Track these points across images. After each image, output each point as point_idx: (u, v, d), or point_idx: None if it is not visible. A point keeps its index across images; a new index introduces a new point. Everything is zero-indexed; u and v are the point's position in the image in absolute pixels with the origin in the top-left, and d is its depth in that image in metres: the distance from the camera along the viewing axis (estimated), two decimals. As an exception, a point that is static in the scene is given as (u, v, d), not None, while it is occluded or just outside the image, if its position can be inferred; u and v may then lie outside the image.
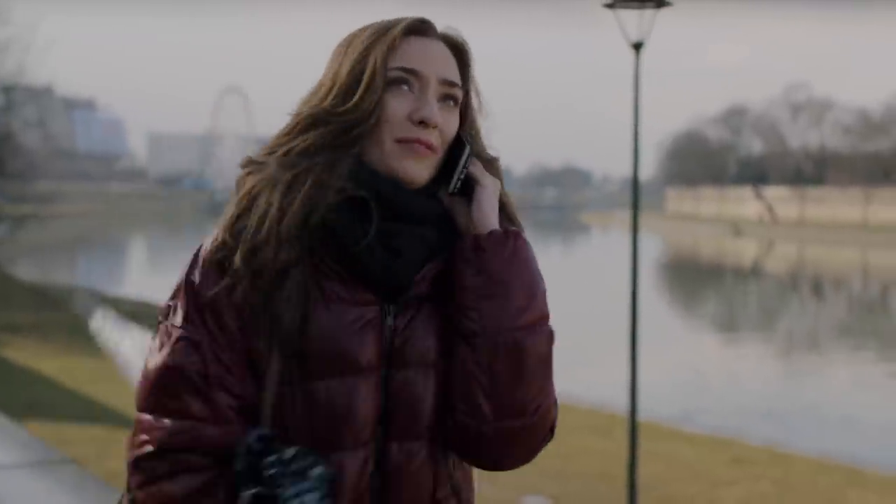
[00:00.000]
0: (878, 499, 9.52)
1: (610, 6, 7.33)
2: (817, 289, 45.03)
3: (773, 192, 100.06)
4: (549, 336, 1.95)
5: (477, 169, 1.99)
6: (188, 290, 1.93)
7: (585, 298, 31.26)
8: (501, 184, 2.02)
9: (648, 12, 7.24)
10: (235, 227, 1.91)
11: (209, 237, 1.96)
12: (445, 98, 1.96)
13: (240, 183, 1.98)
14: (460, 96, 1.98)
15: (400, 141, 1.92)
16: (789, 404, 17.41)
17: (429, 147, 1.93)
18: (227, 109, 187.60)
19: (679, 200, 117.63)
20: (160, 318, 1.96)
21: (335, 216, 1.88)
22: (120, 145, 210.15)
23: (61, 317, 22.78)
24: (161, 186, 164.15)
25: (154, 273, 44.86)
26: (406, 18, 1.97)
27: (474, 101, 2.03)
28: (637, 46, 7.33)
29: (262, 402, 1.90)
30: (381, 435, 1.91)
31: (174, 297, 1.95)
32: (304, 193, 1.88)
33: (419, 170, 1.93)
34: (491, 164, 2.03)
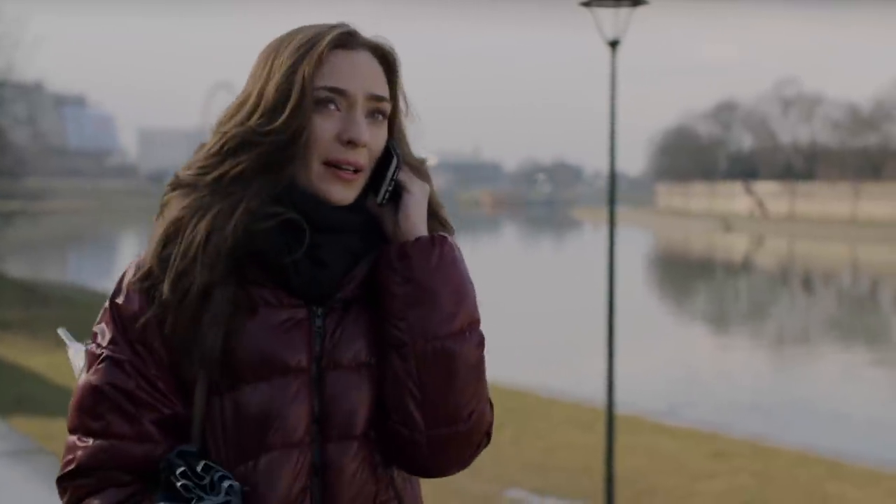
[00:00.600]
0: (856, 491, 9.63)
1: (586, 4, 7.41)
2: (807, 284, 45.16)
3: (764, 188, 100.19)
4: (480, 341, 1.94)
5: (405, 176, 1.98)
6: (114, 314, 1.94)
7: (576, 294, 31.37)
8: (431, 186, 2.00)
9: (624, 10, 7.32)
10: (162, 255, 1.90)
11: (134, 262, 1.96)
12: (373, 113, 1.94)
13: (166, 203, 1.96)
14: (388, 109, 1.97)
15: (328, 163, 1.91)
16: (777, 398, 17.52)
17: (357, 169, 1.92)
18: (218, 105, 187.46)
19: (670, 196, 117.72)
20: (88, 342, 1.98)
21: (263, 237, 1.88)
22: (111, 142, 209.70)
23: (51, 313, 22.81)
24: (152, 183, 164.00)
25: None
26: (332, 30, 1.94)
27: (401, 107, 2.01)
28: (613, 44, 7.41)
29: (192, 417, 1.91)
30: (317, 436, 1.91)
31: (100, 321, 1.97)
32: (235, 221, 1.87)
33: (346, 193, 1.93)
34: (418, 168, 2.01)
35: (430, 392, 1.90)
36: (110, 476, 1.90)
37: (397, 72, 1.99)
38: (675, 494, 8.81)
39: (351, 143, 1.90)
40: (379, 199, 1.96)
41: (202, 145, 1.98)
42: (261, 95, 1.91)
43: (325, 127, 1.90)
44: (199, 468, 1.83)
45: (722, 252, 64.82)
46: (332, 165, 1.91)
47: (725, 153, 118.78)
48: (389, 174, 1.95)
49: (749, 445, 11.73)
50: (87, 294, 29.32)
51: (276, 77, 1.90)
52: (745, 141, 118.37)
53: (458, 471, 2.00)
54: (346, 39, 1.93)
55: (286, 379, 1.89)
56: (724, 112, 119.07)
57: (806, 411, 16.24)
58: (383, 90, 1.95)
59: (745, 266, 55.42)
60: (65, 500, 1.94)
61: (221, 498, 1.81)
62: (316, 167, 1.91)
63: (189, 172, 1.94)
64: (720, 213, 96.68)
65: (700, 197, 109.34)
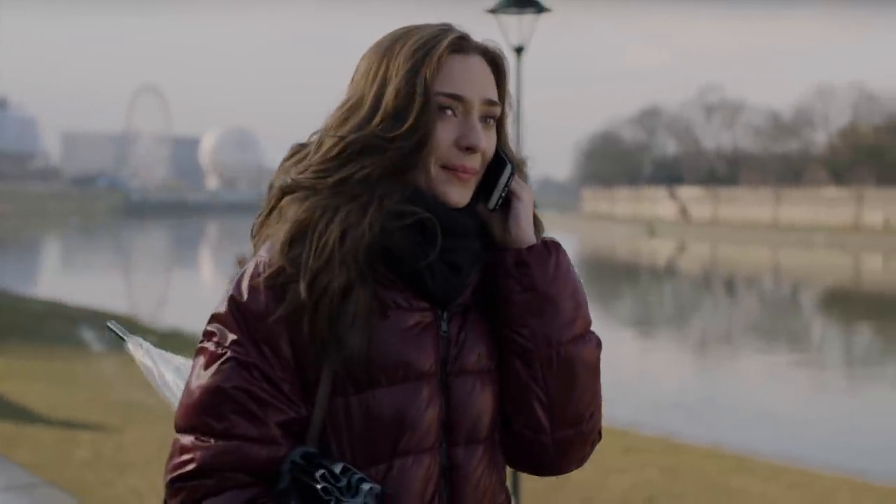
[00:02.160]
0: (760, 484, 10.00)
1: (493, 12, 7.71)
2: (729, 287, 45.87)
3: (687, 193, 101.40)
4: (598, 343, 2.00)
5: (515, 182, 2.00)
6: (236, 314, 1.89)
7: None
8: (532, 192, 2.02)
9: (528, 17, 7.62)
10: (290, 255, 1.87)
11: (255, 262, 1.92)
12: (486, 118, 1.96)
13: (283, 206, 1.93)
14: (499, 113, 1.99)
15: (445, 167, 1.92)
16: (695, 397, 17.90)
17: (473, 173, 1.94)
18: (143, 108, 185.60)
19: (595, 200, 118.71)
20: (203, 340, 1.92)
21: (397, 239, 1.89)
22: (33, 144, 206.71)
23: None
24: (75, 186, 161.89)
25: (67, 274, 44.55)
26: (446, 33, 1.94)
27: (507, 110, 2.03)
28: (518, 50, 7.71)
29: (311, 419, 1.90)
30: (444, 440, 1.93)
31: (217, 319, 1.92)
32: (369, 219, 1.86)
33: (464, 194, 1.94)
34: (521, 169, 2.04)
35: (555, 395, 1.95)
36: (232, 477, 1.85)
37: (506, 76, 2.00)
38: (584, 488, 9.09)
39: (469, 150, 1.92)
40: (492, 204, 1.98)
41: (299, 146, 1.99)
42: (378, 99, 1.91)
43: (444, 133, 1.91)
44: (337, 470, 1.82)
45: (646, 256, 65.54)
46: (450, 169, 1.93)
47: (650, 158, 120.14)
48: (503, 181, 1.97)
49: (661, 442, 12.07)
50: (11, 298, 29.11)
51: (395, 81, 1.90)
52: (670, 146, 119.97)
53: (577, 468, 2.06)
54: (461, 44, 1.94)
55: (418, 384, 1.90)
56: (649, 118, 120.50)
57: (722, 409, 16.63)
58: (495, 94, 1.97)
59: (669, 270, 56.11)
60: (177, 500, 1.87)
61: (361, 500, 1.80)
62: (435, 170, 1.92)
63: (306, 175, 1.92)
64: (645, 218, 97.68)
65: (625, 202, 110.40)
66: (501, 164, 1.97)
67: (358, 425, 1.89)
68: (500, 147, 1.99)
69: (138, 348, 2.28)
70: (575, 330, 1.95)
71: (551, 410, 1.95)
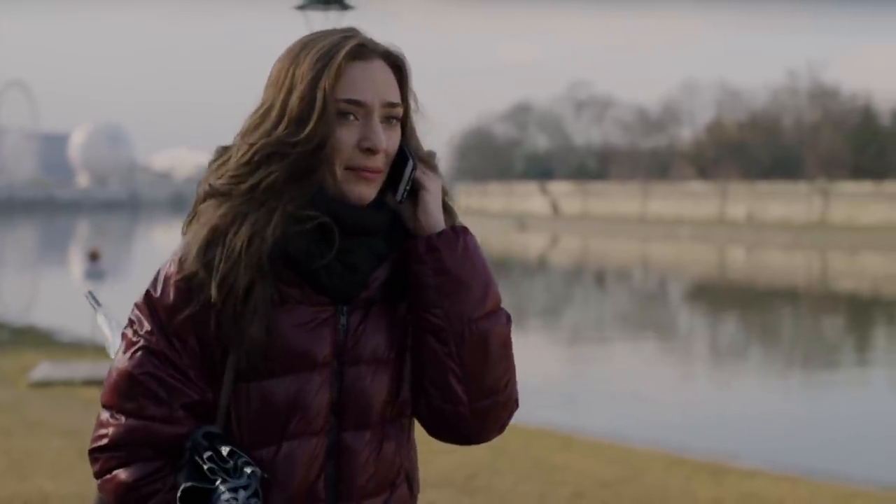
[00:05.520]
0: (580, 459, 10.38)
1: (301, 8, 7.98)
2: (600, 280, 46.70)
3: (558, 187, 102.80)
4: (508, 319, 2.14)
5: (420, 173, 2.12)
6: (151, 306, 2.09)
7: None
8: (441, 178, 2.17)
9: (333, 14, 7.92)
10: (205, 259, 2.03)
11: (173, 259, 2.10)
12: (388, 118, 2.09)
13: (203, 209, 2.10)
14: (401, 112, 2.11)
15: (349, 168, 2.05)
16: (555, 384, 18.28)
17: (377, 172, 2.07)
18: (9, 104, 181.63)
19: (468, 196, 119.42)
20: (125, 326, 2.13)
21: (296, 241, 2.04)
22: None
23: None
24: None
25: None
26: (347, 41, 2.07)
27: (412, 106, 2.15)
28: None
29: (218, 402, 2.08)
30: (335, 425, 2.08)
31: (137, 308, 2.12)
32: (273, 225, 2.01)
33: (368, 192, 2.07)
34: (429, 161, 2.16)
35: (470, 369, 2.08)
36: (139, 452, 2.06)
37: (408, 76, 2.13)
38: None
39: (370, 151, 2.05)
40: (398, 197, 2.10)
41: (223, 149, 2.13)
42: (284, 106, 2.05)
43: (346, 136, 2.04)
44: (224, 452, 1.99)
45: (519, 251, 66.29)
46: (353, 169, 2.06)
47: (522, 154, 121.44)
48: (406, 175, 2.10)
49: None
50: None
51: (299, 89, 2.03)
52: (541, 142, 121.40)
53: (497, 436, 2.20)
54: (361, 50, 2.07)
55: (312, 373, 2.06)
56: (520, 113, 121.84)
57: (580, 394, 17.02)
58: (396, 96, 2.09)
59: (541, 264, 56.88)
60: (95, 469, 2.10)
61: (243, 481, 1.97)
62: (340, 171, 2.05)
63: (222, 182, 2.07)
64: (517, 213, 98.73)
65: (498, 197, 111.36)
66: (405, 158, 2.10)
67: (254, 410, 2.06)
68: (403, 143, 2.11)
69: (104, 319, 2.47)
70: (486, 307, 2.10)
71: (467, 383, 2.09)
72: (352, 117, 2.05)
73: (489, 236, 79.94)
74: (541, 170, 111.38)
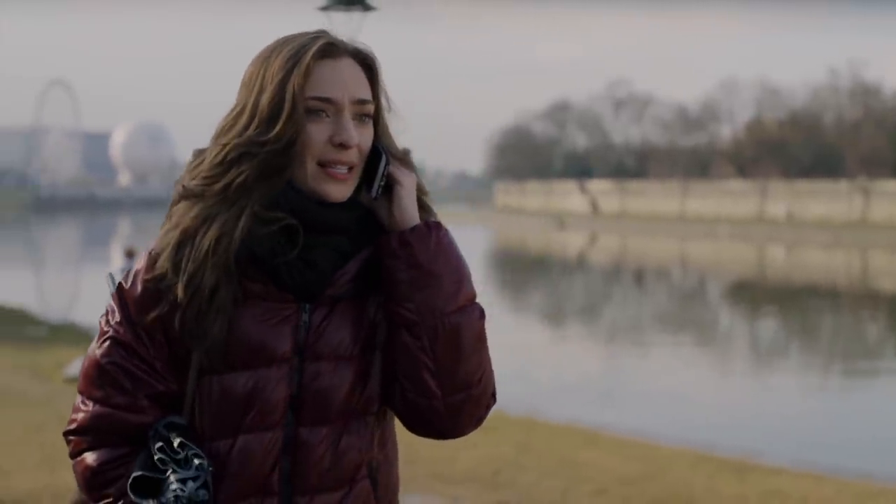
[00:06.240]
0: (604, 456, 10.43)
1: (324, 9, 8.10)
2: (638, 278, 46.57)
3: (597, 186, 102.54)
4: (481, 313, 2.14)
5: (394, 169, 2.14)
6: (123, 299, 2.15)
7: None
8: (416, 175, 2.19)
9: (356, 15, 8.01)
10: (175, 260, 2.08)
11: (146, 254, 2.15)
12: (360, 115, 2.10)
13: (177, 210, 2.13)
14: (372, 110, 2.13)
15: (322, 164, 2.07)
16: (592, 382, 18.25)
17: (350, 168, 2.08)
18: (52, 103, 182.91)
19: (507, 194, 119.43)
20: (101, 316, 2.19)
21: (259, 240, 2.07)
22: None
23: None
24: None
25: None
26: (315, 41, 2.09)
27: (384, 105, 2.17)
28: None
29: (185, 393, 2.13)
30: (292, 420, 2.09)
31: (112, 300, 2.17)
32: (241, 227, 2.05)
33: (342, 190, 2.09)
34: (403, 159, 2.18)
35: (443, 363, 2.08)
36: (105, 438, 2.13)
37: (378, 74, 2.15)
38: (435, 463, 9.45)
39: (341, 146, 2.07)
40: (373, 193, 2.12)
41: (199, 151, 2.16)
42: (255, 107, 2.08)
43: (316, 133, 2.07)
44: (175, 444, 2.04)
45: (558, 249, 66.17)
46: (326, 165, 2.08)
47: (561, 152, 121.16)
48: (381, 170, 2.12)
49: (525, 421, 12.46)
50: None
51: (269, 90, 2.06)
52: (580, 140, 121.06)
53: (473, 430, 2.18)
54: (330, 49, 2.10)
55: (270, 368, 2.09)
56: (559, 112, 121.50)
57: (615, 393, 17.03)
58: (366, 93, 2.11)
59: (581, 262, 56.76)
60: (69, 451, 2.18)
61: (192, 473, 2.01)
62: (311, 167, 2.07)
63: (196, 183, 2.10)
64: (556, 212, 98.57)
65: (537, 195, 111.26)
66: (379, 155, 2.11)
67: (214, 402, 2.10)
68: (377, 142, 2.12)
69: None
70: (458, 301, 2.09)
71: (440, 377, 2.08)
72: (323, 114, 2.07)
73: (528, 234, 80.00)
74: (580, 168, 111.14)
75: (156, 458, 2.03)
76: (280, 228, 2.07)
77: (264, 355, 2.08)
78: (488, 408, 2.17)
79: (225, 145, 2.08)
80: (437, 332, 2.08)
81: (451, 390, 2.10)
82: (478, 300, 2.15)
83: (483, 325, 2.14)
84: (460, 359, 2.10)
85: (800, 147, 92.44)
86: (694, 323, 29.36)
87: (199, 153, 2.16)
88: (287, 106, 2.04)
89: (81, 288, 34.93)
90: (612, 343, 24.53)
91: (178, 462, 2.02)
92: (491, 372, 2.17)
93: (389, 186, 2.13)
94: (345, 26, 8.08)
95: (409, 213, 2.11)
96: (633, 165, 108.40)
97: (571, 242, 71.54)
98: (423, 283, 2.08)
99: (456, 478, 9.22)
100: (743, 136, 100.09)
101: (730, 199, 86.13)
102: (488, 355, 2.16)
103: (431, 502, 8.40)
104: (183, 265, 2.06)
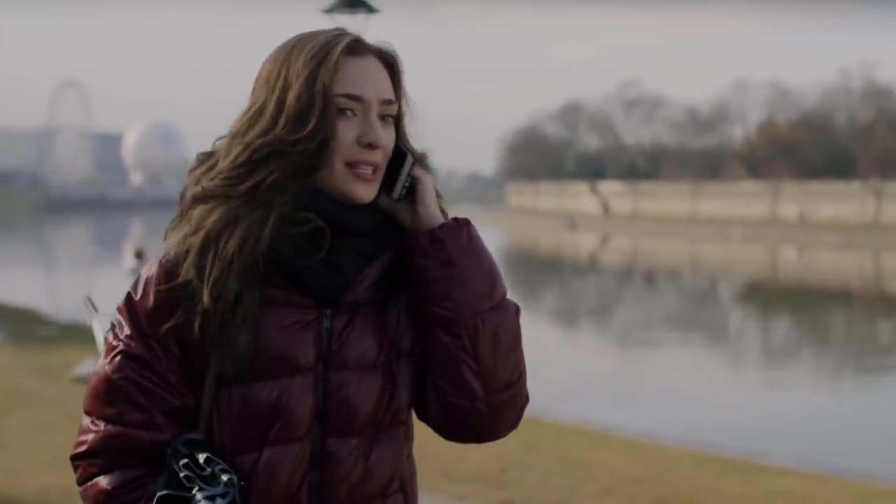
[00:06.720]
0: (611, 456, 10.47)
1: (328, 12, 8.16)
2: (650, 280, 46.52)
3: (608, 187, 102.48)
4: (517, 310, 2.09)
5: (416, 170, 2.09)
6: (131, 311, 2.06)
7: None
8: (434, 178, 2.13)
9: (361, 17, 8.06)
10: (199, 265, 1.99)
11: (156, 262, 2.07)
12: (384, 116, 2.05)
13: (195, 213, 2.02)
14: (396, 111, 2.08)
15: (349, 164, 2.01)
16: (603, 383, 18.26)
17: (375, 169, 2.03)
18: (64, 104, 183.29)
19: (520, 195, 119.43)
20: (108, 330, 2.10)
21: (284, 242, 2.00)
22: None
23: None
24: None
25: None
26: (341, 37, 2.03)
27: (404, 107, 2.12)
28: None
29: (201, 409, 2.04)
30: (318, 432, 2.02)
31: (118, 312, 2.08)
32: (269, 227, 1.97)
33: (367, 191, 2.03)
34: (423, 161, 2.12)
35: (485, 362, 2.02)
36: (119, 459, 2.02)
37: (401, 75, 2.10)
38: (442, 461, 9.48)
39: (370, 146, 2.02)
40: (396, 194, 2.07)
41: (206, 154, 2.08)
42: (280, 105, 2.00)
43: (346, 132, 2.00)
44: (201, 460, 1.95)
45: (570, 250, 66.14)
46: (353, 166, 2.02)
47: (573, 153, 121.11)
48: (405, 171, 2.07)
49: (529, 420, 12.49)
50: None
51: (295, 86, 1.98)
52: (592, 141, 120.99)
53: (511, 431, 2.14)
54: (356, 46, 2.05)
55: (294, 378, 2.01)
56: (570, 113, 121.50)
57: (627, 394, 17.03)
58: (391, 94, 2.06)
59: (592, 263, 56.73)
60: (76, 477, 2.06)
61: (220, 490, 1.92)
62: (339, 168, 2.01)
63: (215, 184, 2.01)
64: (568, 212, 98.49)
65: (549, 196, 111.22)
66: (402, 155, 2.07)
67: (236, 416, 2.01)
68: (399, 142, 2.08)
69: (98, 325, 2.51)
70: (495, 298, 2.04)
71: (483, 377, 2.02)
72: (350, 113, 2.01)
73: (540, 235, 79.94)
74: (591, 169, 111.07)
75: (181, 475, 1.95)
76: (306, 231, 2.00)
77: (287, 364, 2.01)
78: (524, 408, 2.13)
79: (248, 144, 2.00)
80: (477, 329, 2.02)
81: (493, 390, 2.04)
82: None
83: (519, 321, 2.10)
84: (500, 357, 2.05)
85: (812, 148, 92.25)
86: (704, 324, 29.32)
87: (206, 156, 2.09)
88: (318, 103, 1.98)
89: (91, 289, 34.99)
90: (624, 345, 24.52)
91: (204, 479, 1.95)
92: (526, 370, 2.13)
93: (412, 187, 2.08)
94: (350, 29, 8.11)
95: (435, 212, 2.07)
96: (644, 167, 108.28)
97: (583, 243, 71.50)
98: (458, 279, 2.02)
99: (463, 476, 9.26)
100: (754, 138, 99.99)
101: (741, 200, 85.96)
102: (523, 354, 2.12)
103: (438, 501, 8.43)
104: (208, 270, 1.98)
